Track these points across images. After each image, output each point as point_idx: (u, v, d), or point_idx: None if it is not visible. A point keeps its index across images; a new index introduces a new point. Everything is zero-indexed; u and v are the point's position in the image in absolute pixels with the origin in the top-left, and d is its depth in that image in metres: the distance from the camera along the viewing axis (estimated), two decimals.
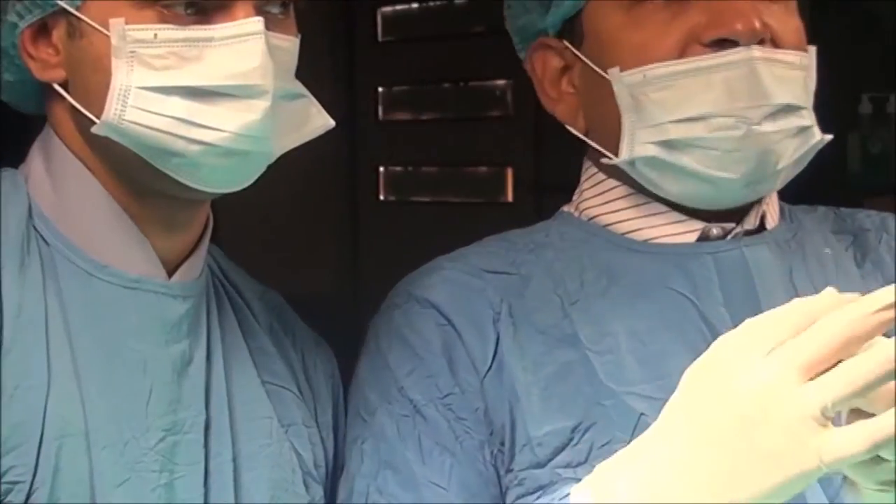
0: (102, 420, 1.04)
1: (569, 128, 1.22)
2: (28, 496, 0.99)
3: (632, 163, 1.15)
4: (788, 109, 1.12)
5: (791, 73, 1.13)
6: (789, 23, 1.15)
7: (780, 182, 1.18)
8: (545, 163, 3.77)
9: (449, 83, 4.26)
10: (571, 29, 1.19)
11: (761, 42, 1.11)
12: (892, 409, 0.81)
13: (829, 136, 1.16)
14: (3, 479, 0.98)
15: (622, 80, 1.14)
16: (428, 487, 1.10)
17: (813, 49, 1.16)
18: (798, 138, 1.14)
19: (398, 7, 4.34)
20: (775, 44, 1.12)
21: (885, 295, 0.83)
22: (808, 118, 1.14)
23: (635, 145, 1.14)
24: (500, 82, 4.02)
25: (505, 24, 1.27)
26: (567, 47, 1.19)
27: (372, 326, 1.21)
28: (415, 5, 4.30)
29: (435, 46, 4.16)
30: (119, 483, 1.03)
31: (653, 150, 1.13)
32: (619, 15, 1.14)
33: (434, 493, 1.10)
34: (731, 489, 0.84)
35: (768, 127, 1.11)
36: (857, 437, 0.81)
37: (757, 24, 1.10)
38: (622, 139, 1.15)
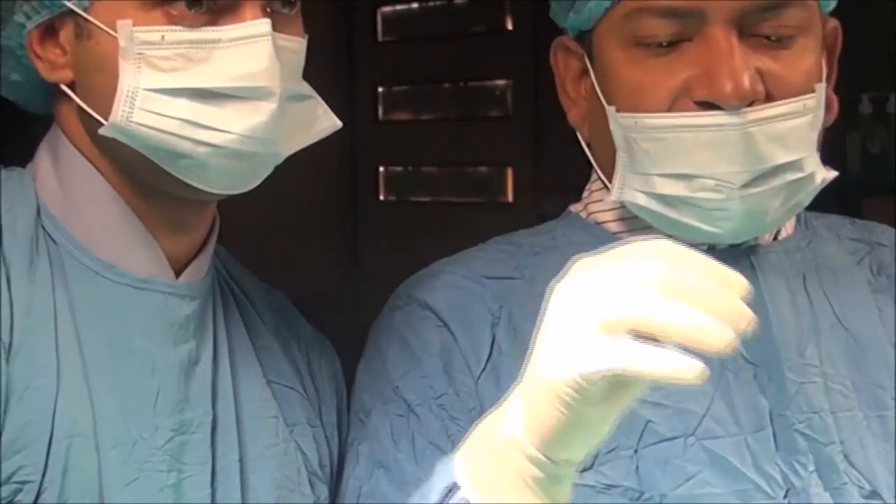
0: (111, 420, 1.04)
1: (578, 134, 1.22)
2: (37, 496, 0.99)
3: (623, 204, 1.16)
4: (780, 168, 1.10)
5: (788, 125, 1.09)
6: (797, 66, 1.11)
7: (781, 223, 1.17)
8: (545, 163, 3.76)
9: (449, 83, 4.25)
10: (585, 40, 1.18)
11: (752, 102, 1.08)
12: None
13: (833, 174, 1.14)
14: (13, 479, 0.98)
15: (618, 121, 1.13)
16: (419, 487, 1.10)
17: (822, 86, 1.12)
18: (789, 191, 1.11)
19: (398, 7, 4.34)
20: (772, 96, 1.09)
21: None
22: (807, 167, 1.11)
23: (625, 189, 1.14)
24: (500, 82, 4.01)
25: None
26: (583, 55, 1.19)
27: (373, 328, 1.21)
28: (415, 5, 4.29)
29: (435, 46, 4.16)
30: (127, 483, 1.04)
31: (642, 200, 1.13)
32: (620, 50, 1.13)
33: None
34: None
35: (754, 189, 1.09)
36: (602, 356, 0.80)
37: (747, 84, 1.07)
38: (615, 175, 1.15)
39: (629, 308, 0.80)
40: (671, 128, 1.10)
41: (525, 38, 3.56)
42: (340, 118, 1.13)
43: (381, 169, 4.47)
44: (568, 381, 0.83)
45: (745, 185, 1.09)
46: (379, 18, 4.42)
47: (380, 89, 4.44)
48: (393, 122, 4.46)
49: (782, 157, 1.09)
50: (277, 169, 1.11)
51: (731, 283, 0.82)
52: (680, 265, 0.81)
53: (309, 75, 1.11)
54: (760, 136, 1.08)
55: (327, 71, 4.17)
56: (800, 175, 1.11)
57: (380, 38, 4.43)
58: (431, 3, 4.27)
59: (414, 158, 4.39)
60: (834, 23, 1.19)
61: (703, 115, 1.09)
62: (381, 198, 4.49)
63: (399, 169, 4.49)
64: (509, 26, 3.90)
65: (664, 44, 1.11)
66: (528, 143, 3.87)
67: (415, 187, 4.42)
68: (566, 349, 0.83)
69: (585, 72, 1.19)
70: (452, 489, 0.93)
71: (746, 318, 0.80)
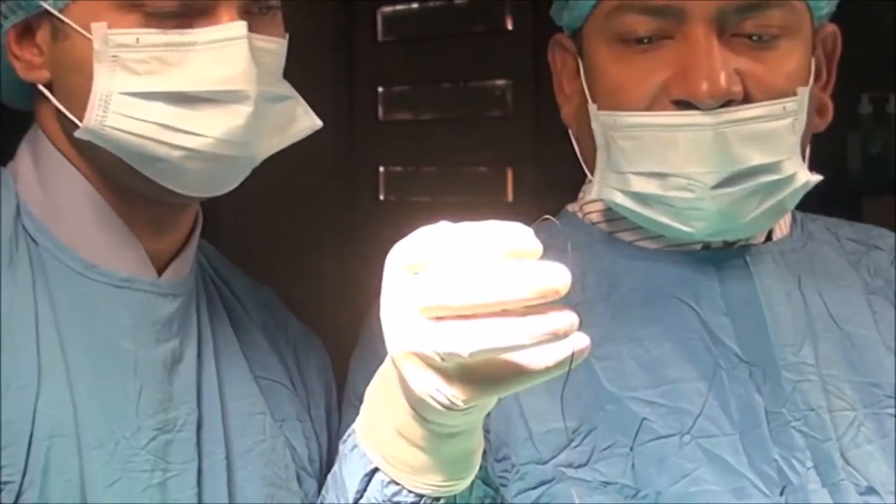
0: (93, 420, 1.03)
1: (570, 131, 1.22)
2: (18, 496, 0.99)
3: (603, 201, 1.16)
4: (755, 170, 1.09)
5: (765, 128, 1.09)
6: (779, 68, 1.11)
7: (763, 224, 1.16)
8: (545, 163, 3.76)
9: (449, 83, 4.25)
10: (578, 38, 1.19)
11: (728, 103, 1.07)
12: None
13: (818, 178, 1.13)
14: None
15: (598, 118, 1.14)
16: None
17: (805, 90, 1.12)
18: (765, 192, 1.11)
19: (398, 7, 4.34)
20: (752, 97, 1.09)
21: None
22: (786, 169, 1.10)
23: (604, 187, 1.14)
24: (500, 82, 4.01)
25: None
26: (576, 53, 1.19)
27: (366, 320, 1.21)
28: (415, 5, 4.29)
29: (435, 46, 4.15)
30: (110, 483, 1.03)
31: (619, 198, 1.13)
32: (604, 47, 1.14)
33: None
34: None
35: (726, 189, 1.09)
36: (428, 338, 0.78)
37: (723, 84, 1.06)
38: (595, 172, 1.15)
39: (444, 294, 0.78)
40: (648, 127, 1.10)
41: (525, 38, 3.56)
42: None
43: (381, 169, 4.47)
44: (406, 356, 0.81)
45: (717, 186, 1.09)
46: (379, 18, 4.42)
47: (380, 89, 4.43)
48: (393, 122, 4.45)
49: (757, 159, 1.09)
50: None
51: (522, 254, 0.81)
52: (470, 256, 0.79)
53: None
54: (734, 137, 1.08)
55: (327, 71, 4.18)
56: (776, 177, 1.10)
57: (380, 38, 4.42)
58: (431, 3, 4.26)
59: (414, 158, 4.39)
60: (832, 28, 1.19)
61: (679, 114, 1.09)
62: (381, 198, 4.49)
63: (399, 169, 4.48)
64: (509, 26, 3.89)
65: (645, 40, 1.11)
66: (528, 143, 3.86)
67: (415, 187, 4.42)
68: (400, 328, 0.81)
69: (579, 69, 1.19)
70: (372, 474, 0.92)
71: (535, 294, 0.79)
